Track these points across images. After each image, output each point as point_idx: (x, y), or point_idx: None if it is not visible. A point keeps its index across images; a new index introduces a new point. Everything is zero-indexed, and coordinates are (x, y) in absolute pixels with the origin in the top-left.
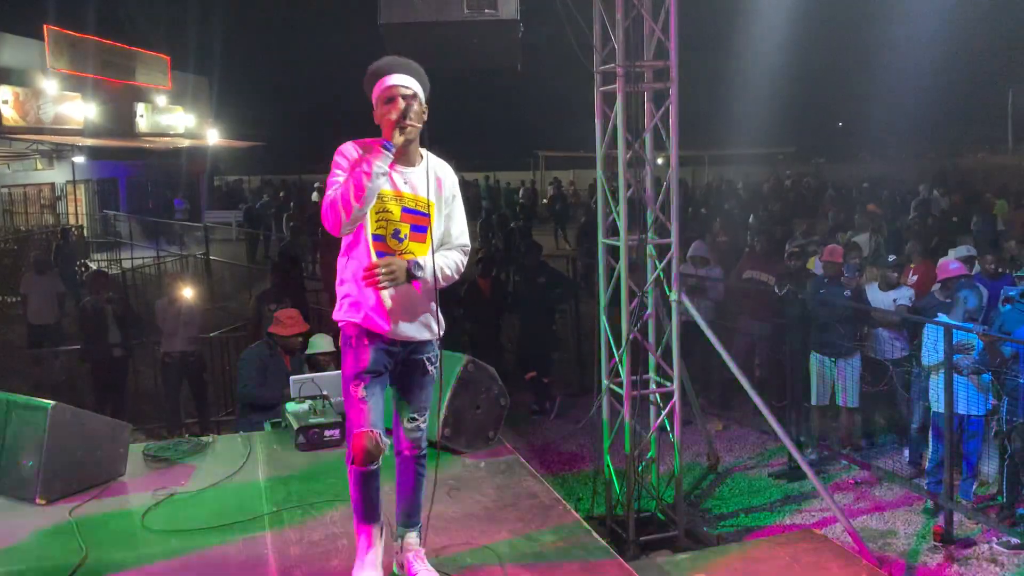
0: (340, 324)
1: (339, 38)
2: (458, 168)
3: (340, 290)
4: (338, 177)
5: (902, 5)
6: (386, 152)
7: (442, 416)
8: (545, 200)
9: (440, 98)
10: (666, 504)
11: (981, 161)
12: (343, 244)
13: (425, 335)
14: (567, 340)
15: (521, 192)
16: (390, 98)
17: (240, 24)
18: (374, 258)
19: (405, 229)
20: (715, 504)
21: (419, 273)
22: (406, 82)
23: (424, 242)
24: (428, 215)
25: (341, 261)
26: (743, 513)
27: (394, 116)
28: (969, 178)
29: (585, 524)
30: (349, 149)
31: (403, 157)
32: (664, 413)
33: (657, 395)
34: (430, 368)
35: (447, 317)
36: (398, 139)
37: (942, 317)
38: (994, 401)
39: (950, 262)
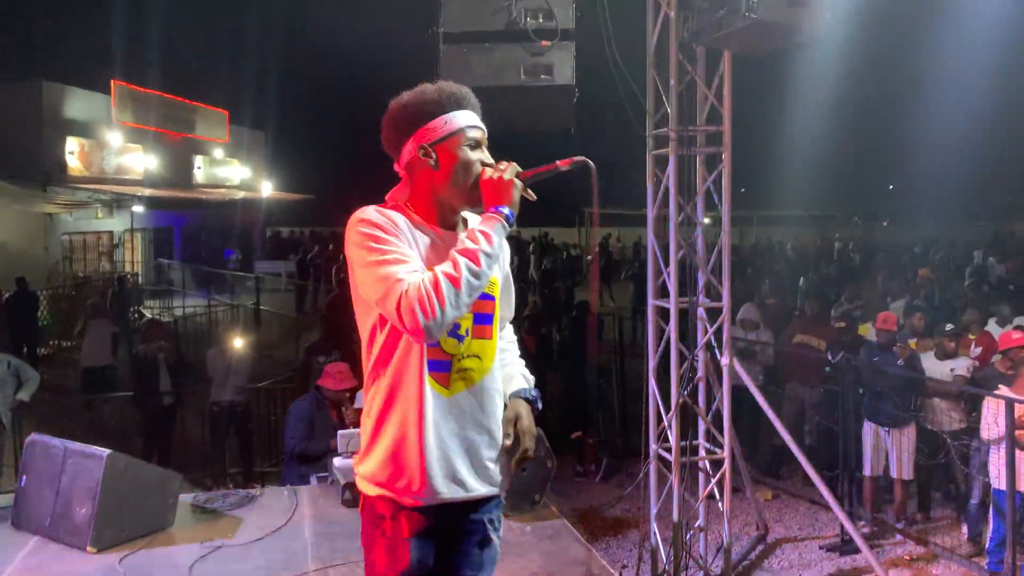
0: (368, 495)
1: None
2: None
3: (371, 433)
4: (391, 256)
5: (953, 67)
6: (507, 222)
7: None
8: (589, 257)
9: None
10: (714, 575)
11: None
12: (370, 360)
13: (492, 487)
14: (612, 400)
15: (532, 248)
16: (476, 143)
17: (295, 80)
18: (428, 379)
19: (466, 323)
20: None
21: (540, 406)
22: (482, 124)
23: (490, 337)
24: (494, 298)
25: (374, 389)
26: None
27: (510, 173)
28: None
29: None
30: (389, 218)
31: (444, 218)
32: (714, 481)
33: (707, 462)
34: (493, 536)
35: None
36: (516, 202)
37: (1003, 389)
38: None
39: (1012, 331)
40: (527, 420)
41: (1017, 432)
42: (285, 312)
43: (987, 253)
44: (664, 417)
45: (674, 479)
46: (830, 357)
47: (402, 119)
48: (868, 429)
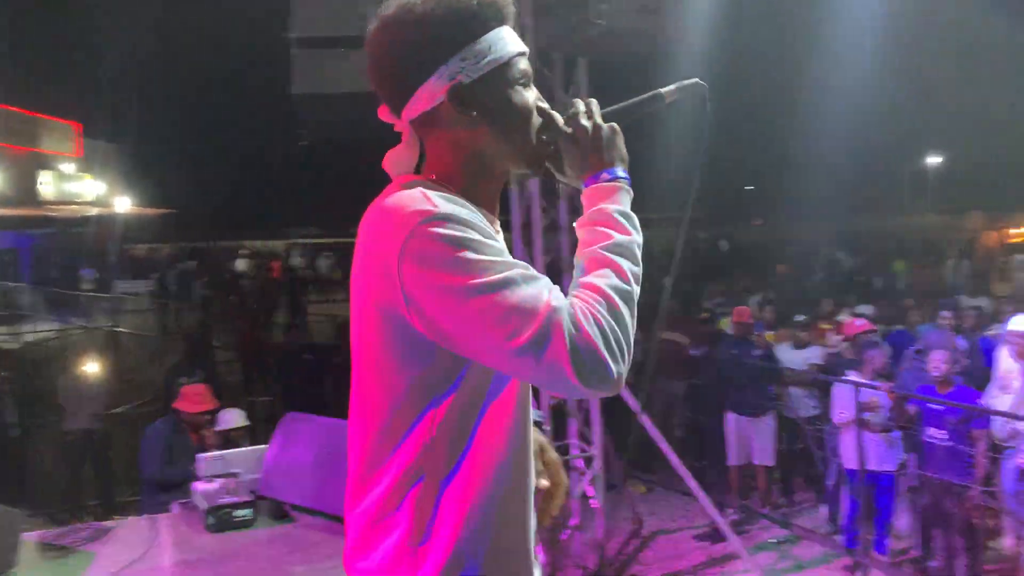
0: None
1: (252, 106)
2: None
3: (434, 528)
4: (514, 270)
5: (806, 80)
6: (628, 188)
7: None
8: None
9: (354, 164)
10: (590, 572)
11: (881, 223)
12: (423, 425)
13: None
14: None
15: None
16: (529, 78)
17: (152, 92)
18: (532, 441)
19: None
20: (640, 570)
21: (546, 428)
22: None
23: None
24: None
25: (437, 465)
26: None
27: (598, 115)
28: (871, 239)
29: None
30: (468, 208)
31: (484, 196)
32: (587, 478)
33: (580, 460)
34: None
35: None
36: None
37: (851, 374)
38: (904, 457)
39: (855, 319)
40: (552, 450)
41: (864, 414)
42: (147, 333)
43: (836, 248)
44: None
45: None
46: (693, 351)
47: (421, 44)
48: (731, 419)
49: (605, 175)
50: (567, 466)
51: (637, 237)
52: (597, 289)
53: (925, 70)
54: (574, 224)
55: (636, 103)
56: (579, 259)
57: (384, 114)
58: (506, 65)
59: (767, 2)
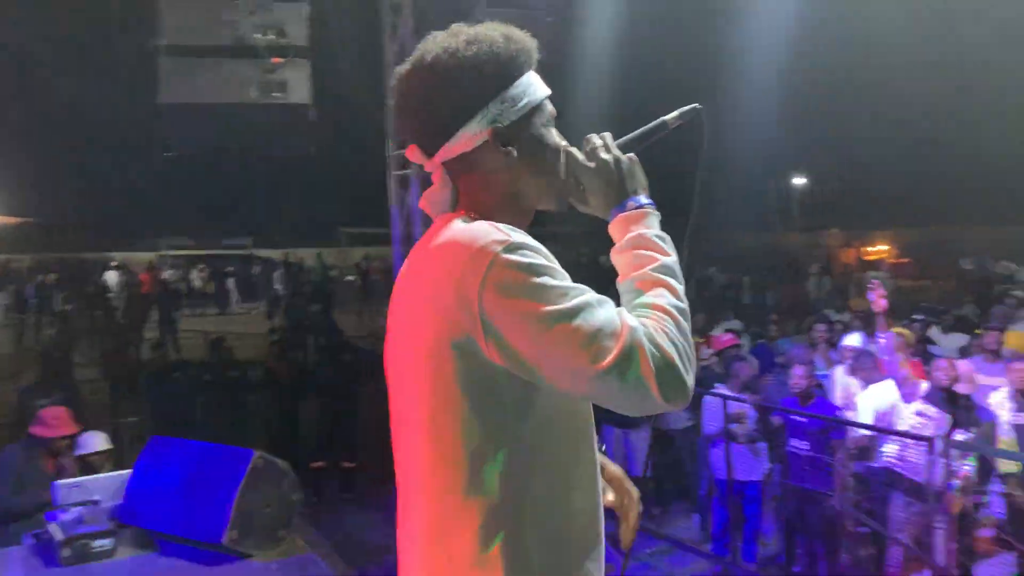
0: None
1: (117, 114)
2: (255, 244)
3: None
4: (587, 294)
5: (678, 102)
6: (655, 211)
7: (229, 517)
8: (351, 278)
9: (225, 174)
10: None
11: (750, 241)
12: (500, 451)
13: None
14: (373, 422)
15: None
16: (553, 120)
17: (7, 95)
18: (600, 455)
19: None
20: None
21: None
22: None
23: None
24: None
25: (515, 486)
26: None
27: (614, 147)
28: (741, 256)
29: None
30: (537, 243)
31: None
32: None
33: None
34: None
35: (240, 407)
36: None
37: (719, 388)
38: (769, 467)
39: (723, 334)
40: (611, 464)
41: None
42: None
43: (708, 264)
44: None
45: None
46: None
47: (464, 88)
48: (608, 432)
49: (631, 203)
50: None
51: (675, 256)
52: (661, 308)
53: (791, 93)
54: (611, 251)
55: (645, 132)
56: (630, 281)
57: (413, 155)
58: (538, 107)
59: (638, 29)
